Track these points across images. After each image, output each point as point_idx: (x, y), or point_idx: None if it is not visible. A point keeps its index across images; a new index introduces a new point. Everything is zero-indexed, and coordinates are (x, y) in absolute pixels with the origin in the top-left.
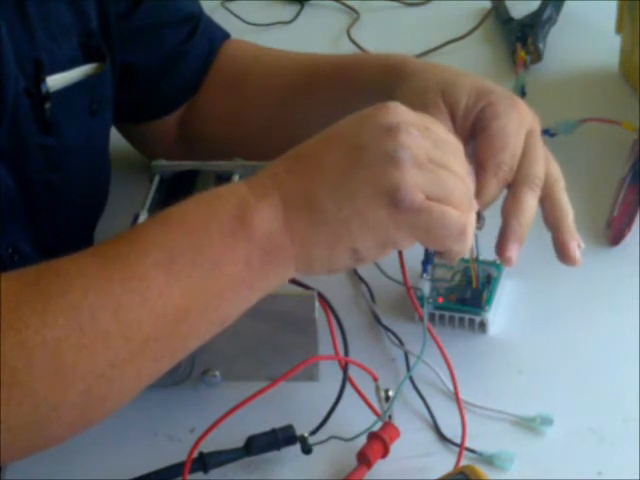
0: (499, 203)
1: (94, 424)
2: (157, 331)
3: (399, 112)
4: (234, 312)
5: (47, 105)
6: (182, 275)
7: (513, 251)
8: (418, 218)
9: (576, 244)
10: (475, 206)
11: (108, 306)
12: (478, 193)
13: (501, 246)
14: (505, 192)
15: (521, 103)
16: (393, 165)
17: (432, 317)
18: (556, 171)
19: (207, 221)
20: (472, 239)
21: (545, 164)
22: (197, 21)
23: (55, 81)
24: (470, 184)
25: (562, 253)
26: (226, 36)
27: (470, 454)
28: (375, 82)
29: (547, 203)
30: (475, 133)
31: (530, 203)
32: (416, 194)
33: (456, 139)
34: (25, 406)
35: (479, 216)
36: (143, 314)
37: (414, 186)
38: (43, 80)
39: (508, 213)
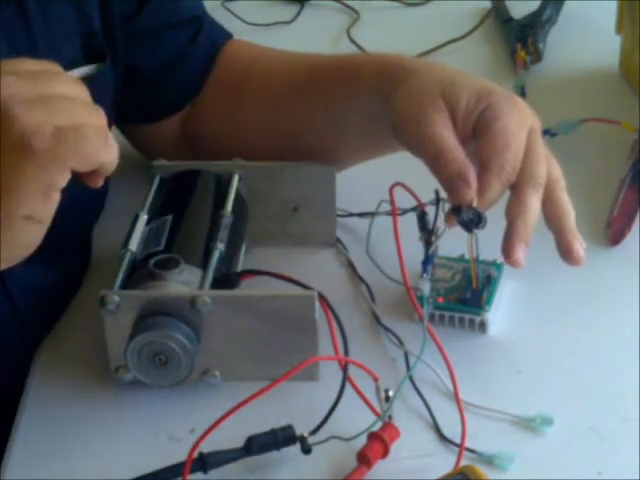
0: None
1: None
2: None
3: None
4: None
5: None
6: None
7: (520, 253)
8: (60, 149)
9: (579, 244)
10: (99, 113)
11: None
12: (481, 193)
13: (507, 249)
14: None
15: (522, 103)
16: (7, 120)
17: (432, 317)
18: (557, 171)
19: None
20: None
21: (546, 164)
22: (201, 22)
23: None
24: (79, 90)
25: (566, 254)
26: (228, 36)
27: (470, 454)
28: (374, 82)
29: (549, 204)
30: (476, 134)
31: (534, 203)
32: (42, 131)
33: (45, 63)
34: None
35: (480, 217)
36: None
37: (37, 124)
38: None
39: (513, 214)
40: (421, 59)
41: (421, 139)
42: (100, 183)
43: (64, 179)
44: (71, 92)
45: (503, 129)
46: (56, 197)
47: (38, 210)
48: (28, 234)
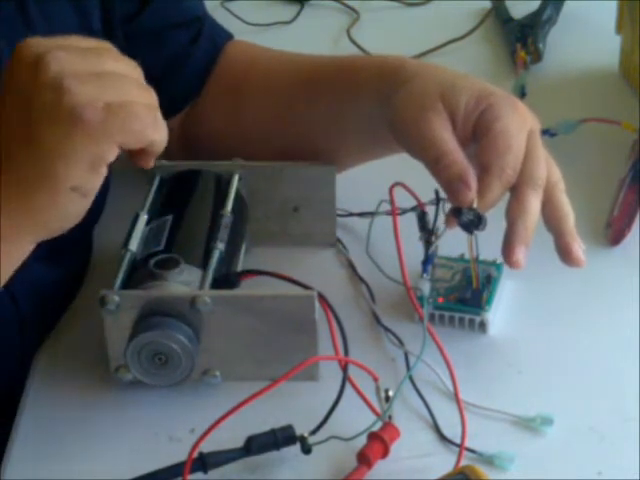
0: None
1: None
2: None
3: (35, 44)
4: None
5: None
6: None
7: (520, 254)
8: (109, 124)
9: (578, 246)
10: (149, 92)
11: None
12: (481, 195)
13: (508, 250)
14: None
15: (521, 104)
16: (60, 91)
17: (432, 317)
18: (556, 173)
19: None
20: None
21: (546, 166)
22: (202, 23)
23: None
24: (129, 68)
25: (565, 256)
26: (229, 37)
27: (470, 454)
28: (374, 84)
29: (548, 206)
30: (476, 136)
31: (534, 205)
32: (94, 105)
33: (97, 41)
34: None
35: (480, 218)
36: None
37: (88, 99)
38: None
39: (513, 216)
40: (421, 61)
41: (421, 142)
42: (150, 164)
43: (112, 154)
44: (122, 69)
45: (503, 131)
46: (103, 171)
47: (85, 182)
48: (73, 206)
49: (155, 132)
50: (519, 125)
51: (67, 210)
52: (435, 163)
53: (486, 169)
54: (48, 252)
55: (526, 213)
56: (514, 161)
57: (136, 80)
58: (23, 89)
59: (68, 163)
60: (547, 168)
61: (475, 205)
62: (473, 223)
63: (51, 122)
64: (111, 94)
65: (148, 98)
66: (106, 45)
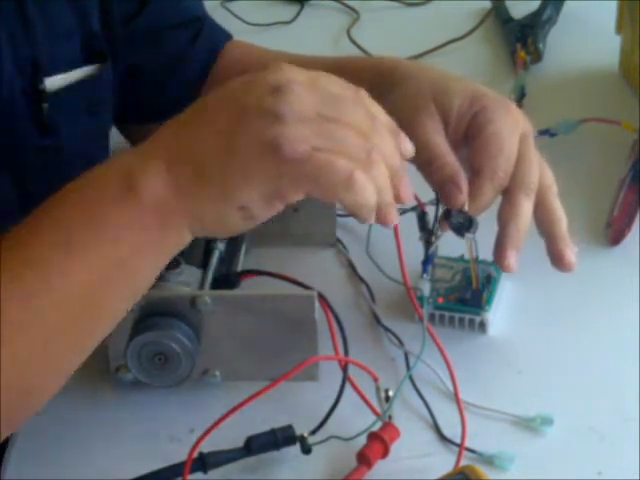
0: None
1: (22, 420)
2: (68, 313)
3: (287, 71)
4: (141, 282)
5: (45, 105)
6: (80, 250)
7: (512, 258)
8: (302, 167)
9: (571, 251)
10: (397, 159)
11: (15, 295)
12: (473, 197)
13: (499, 253)
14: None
15: (514, 107)
16: (275, 120)
17: (432, 317)
18: (549, 177)
19: (98, 192)
20: (369, 192)
21: (539, 170)
22: (201, 23)
23: (54, 82)
24: (374, 137)
25: (557, 260)
26: (228, 37)
27: (470, 454)
28: (369, 86)
29: (540, 210)
30: (468, 138)
31: (526, 208)
32: (298, 144)
33: (354, 91)
34: None
35: (471, 221)
36: (51, 298)
37: (296, 137)
38: (41, 81)
39: (505, 219)
40: (416, 62)
41: (413, 144)
42: (362, 219)
43: (294, 197)
44: (356, 125)
45: (495, 133)
46: (278, 207)
47: (254, 208)
48: (232, 221)
49: (345, 193)
50: (511, 128)
51: (225, 221)
52: (427, 165)
53: (477, 171)
54: None
55: (518, 216)
56: (506, 164)
57: (363, 142)
58: (246, 104)
59: (248, 184)
60: (540, 172)
61: (466, 208)
62: (463, 226)
63: (252, 140)
64: (324, 143)
65: (361, 163)
66: (359, 93)
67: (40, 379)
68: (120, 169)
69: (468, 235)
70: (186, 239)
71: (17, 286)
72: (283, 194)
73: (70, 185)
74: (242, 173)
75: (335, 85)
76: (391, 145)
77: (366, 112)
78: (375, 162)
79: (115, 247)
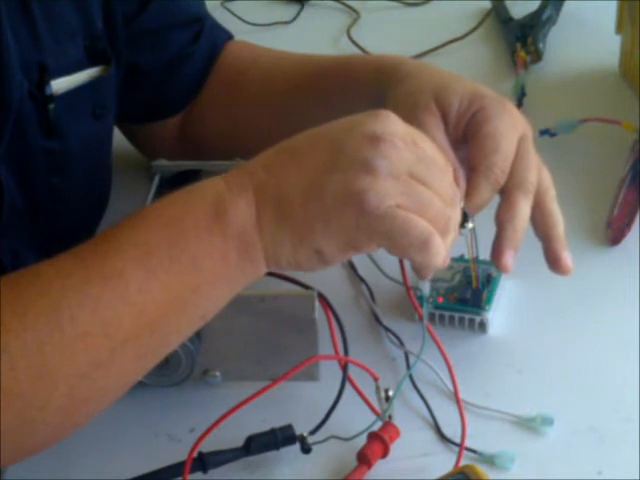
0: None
1: (80, 426)
2: (137, 329)
3: (388, 122)
4: (213, 308)
5: (51, 107)
6: (160, 271)
7: (509, 258)
8: (380, 223)
9: (567, 254)
10: (456, 232)
11: (87, 305)
12: (469, 195)
13: (497, 254)
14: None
15: (513, 109)
16: (367, 172)
17: (432, 317)
18: (547, 180)
19: (183, 216)
20: (441, 257)
21: (537, 172)
22: (202, 23)
23: (60, 84)
24: (452, 207)
25: (554, 263)
26: (229, 37)
27: (470, 454)
28: (370, 84)
29: (538, 212)
30: (467, 137)
31: (524, 209)
32: (383, 200)
33: (445, 160)
34: (11, 411)
35: (466, 216)
36: (123, 312)
37: (383, 193)
38: (47, 83)
39: (502, 219)
40: (417, 61)
41: None
42: (421, 276)
43: (368, 248)
44: (441, 193)
45: (492, 132)
46: (351, 254)
47: (329, 252)
48: (306, 260)
49: (417, 254)
50: (509, 127)
51: (300, 262)
52: None
53: (473, 169)
54: (52, 252)
55: (516, 217)
56: (502, 162)
57: (445, 210)
58: (343, 149)
59: (327, 229)
60: (538, 174)
61: (462, 205)
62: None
63: (339, 188)
64: (408, 202)
65: (439, 228)
66: (446, 167)
67: (99, 389)
68: (208, 196)
69: (463, 230)
70: (261, 273)
71: (89, 297)
72: (357, 243)
73: (154, 205)
74: (323, 221)
75: (431, 147)
76: (459, 219)
77: (450, 182)
78: (450, 230)
79: (194, 273)
